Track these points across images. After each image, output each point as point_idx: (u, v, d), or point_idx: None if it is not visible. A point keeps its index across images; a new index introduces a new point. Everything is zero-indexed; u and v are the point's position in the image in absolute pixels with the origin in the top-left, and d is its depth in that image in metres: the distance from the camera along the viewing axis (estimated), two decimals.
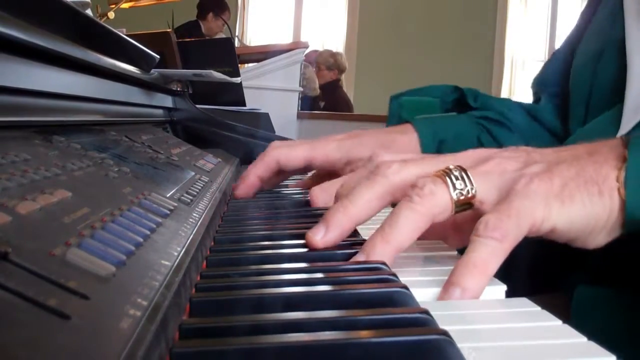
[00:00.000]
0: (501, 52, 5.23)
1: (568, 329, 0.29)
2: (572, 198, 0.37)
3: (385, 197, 0.42)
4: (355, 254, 0.40)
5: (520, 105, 0.79)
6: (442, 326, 0.27)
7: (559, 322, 0.30)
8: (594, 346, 0.27)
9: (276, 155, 0.64)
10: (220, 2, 3.76)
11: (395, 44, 5.10)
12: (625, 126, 0.55)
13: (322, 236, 0.41)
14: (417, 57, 5.09)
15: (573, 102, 0.68)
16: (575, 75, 0.69)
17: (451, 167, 0.40)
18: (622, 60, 0.58)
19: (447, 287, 0.35)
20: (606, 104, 0.60)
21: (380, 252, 0.38)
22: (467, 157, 0.43)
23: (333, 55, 3.99)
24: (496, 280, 0.37)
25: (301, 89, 2.84)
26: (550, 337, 0.28)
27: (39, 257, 0.23)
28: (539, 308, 0.32)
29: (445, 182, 0.39)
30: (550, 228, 0.38)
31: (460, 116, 0.74)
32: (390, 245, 0.38)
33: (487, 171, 0.40)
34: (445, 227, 0.43)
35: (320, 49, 4.45)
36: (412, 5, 5.13)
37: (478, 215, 0.38)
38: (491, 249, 0.36)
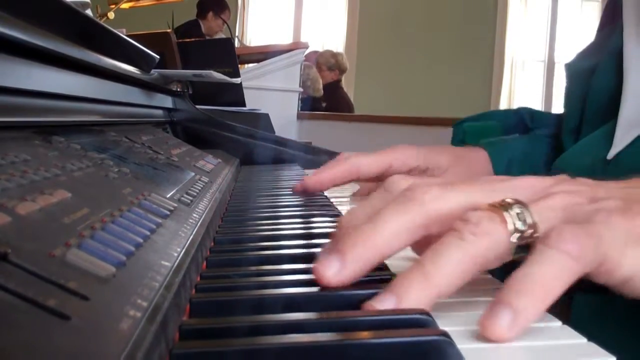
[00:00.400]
0: (501, 53, 5.23)
1: (568, 330, 0.29)
2: None
3: (419, 230, 0.33)
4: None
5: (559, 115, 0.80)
6: (442, 327, 0.27)
7: (559, 323, 0.30)
8: (594, 347, 0.27)
9: (357, 162, 0.59)
10: (220, 1, 3.76)
11: (396, 45, 5.11)
12: (618, 144, 0.54)
13: (336, 272, 0.32)
14: (417, 57, 5.09)
15: (567, 119, 0.68)
16: (570, 91, 0.69)
17: (509, 200, 0.32)
18: (619, 74, 0.58)
19: (493, 307, 0.28)
20: (598, 122, 0.60)
21: (416, 296, 0.29)
22: (524, 187, 0.34)
23: (334, 55, 3.98)
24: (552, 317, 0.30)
25: (301, 90, 2.85)
26: (551, 338, 0.28)
27: (38, 258, 0.23)
28: None
29: (505, 221, 0.31)
30: (623, 278, 0.30)
31: (524, 137, 0.75)
32: (431, 288, 0.30)
33: (550, 206, 0.32)
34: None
35: (321, 49, 4.44)
36: (412, 6, 5.14)
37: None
38: (560, 265, 0.28)
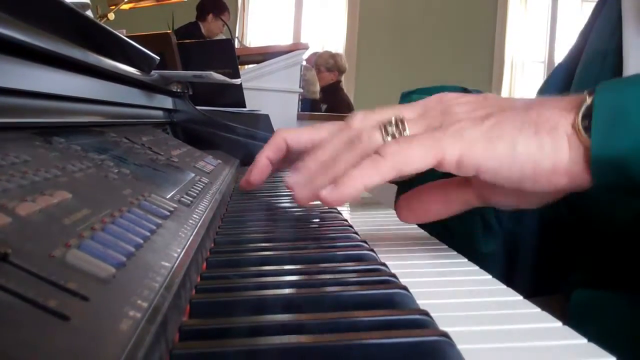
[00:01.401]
0: (501, 54, 5.23)
1: (568, 330, 0.29)
2: (501, 138, 0.38)
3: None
4: (354, 254, 0.40)
5: None
6: (442, 328, 0.27)
7: (559, 324, 0.30)
8: (594, 348, 0.27)
9: (283, 135, 0.64)
10: (220, 3, 3.76)
11: (395, 46, 5.11)
12: None
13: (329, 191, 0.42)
14: (417, 58, 5.09)
15: None
16: (578, 82, 0.69)
17: (394, 118, 0.43)
18: (622, 67, 0.58)
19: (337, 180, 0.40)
20: None
21: (322, 183, 0.42)
22: (427, 106, 0.45)
23: (333, 56, 3.97)
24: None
25: (301, 91, 2.84)
26: (551, 339, 0.28)
27: (38, 259, 0.23)
28: (538, 309, 0.32)
29: (382, 133, 0.42)
30: (475, 167, 0.38)
31: None
32: (345, 190, 0.41)
33: (431, 116, 0.43)
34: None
35: (321, 50, 4.44)
36: (412, 6, 5.14)
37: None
38: (373, 162, 0.39)
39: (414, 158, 0.39)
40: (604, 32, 0.65)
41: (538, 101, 0.41)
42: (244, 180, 0.64)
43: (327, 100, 3.84)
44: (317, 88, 3.67)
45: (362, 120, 0.46)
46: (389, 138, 0.42)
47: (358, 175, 0.40)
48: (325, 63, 3.87)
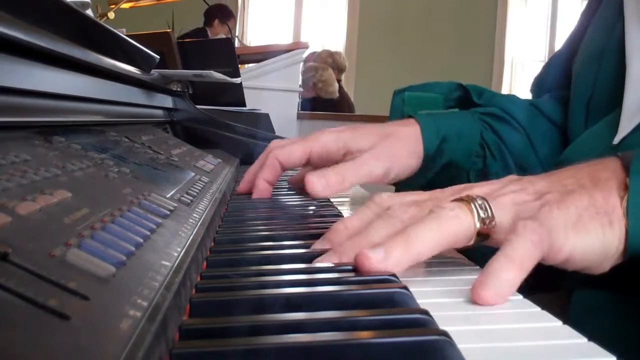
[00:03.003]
0: (501, 53, 5.23)
1: (568, 329, 0.29)
2: (587, 229, 0.38)
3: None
4: None
5: (524, 100, 0.78)
6: (443, 327, 0.27)
7: (559, 323, 0.30)
8: (594, 347, 0.27)
9: (276, 155, 0.65)
10: (226, 10, 3.81)
11: (395, 45, 5.11)
12: (623, 130, 0.55)
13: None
14: (417, 57, 5.09)
15: (573, 104, 0.68)
16: (576, 77, 0.69)
17: (474, 195, 0.39)
18: (622, 64, 0.58)
19: (486, 280, 0.34)
20: (606, 107, 0.60)
21: (398, 254, 0.36)
22: (479, 192, 0.42)
23: (331, 55, 3.95)
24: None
25: (301, 90, 2.84)
26: (551, 338, 0.28)
27: (39, 258, 0.23)
28: (539, 308, 0.32)
29: (470, 209, 0.38)
30: (566, 257, 0.38)
31: (463, 113, 0.73)
32: (411, 251, 0.37)
33: (505, 202, 0.40)
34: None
35: (321, 49, 4.43)
36: (412, 5, 5.13)
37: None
38: (528, 248, 0.35)
39: (545, 245, 0.36)
40: (601, 30, 0.65)
41: (589, 179, 0.41)
42: (240, 191, 0.67)
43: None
44: (335, 87, 3.64)
45: (437, 200, 0.42)
46: (478, 222, 0.38)
47: (519, 261, 0.35)
48: (324, 62, 3.86)
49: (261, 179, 0.65)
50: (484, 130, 0.71)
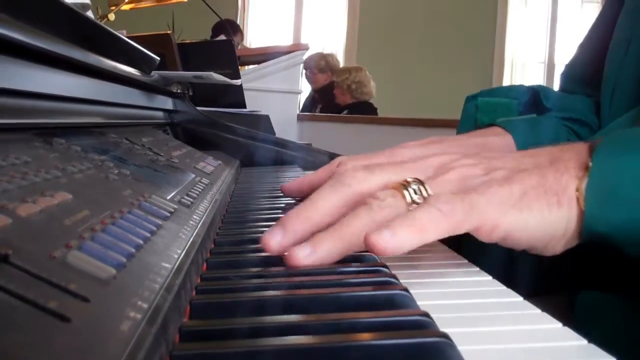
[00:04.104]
0: (501, 54, 5.23)
1: (569, 331, 0.29)
2: (531, 207, 0.38)
3: (345, 206, 0.42)
4: (355, 255, 0.40)
5: (588, 100, 0.75)
6: (443, 329, 0.27)
7: (560, 325, 0.30)
8: (594, 349, 0.27)
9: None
10: (234, 24, 3.83)
11: (396, 46, 5.11)
12: None
13: (278, 240, 0.39)
14: (417, 58, 5.09)
15: (604, 90, 0.67)
16: (606, 65, 0.68)
17: (409, 179, 0.40)
18: None
19: (380, 229, 0.35)
20: (629, 96, 0.59)
21: (328, 246, 0.38)
22: (429, 165, 0.44)
23: (324, 57, 3.92)
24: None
25: (301, 91, 2.84)
26: (551, 340, 0.28)
27: (39, 260, 0.23)
28: (539, 311, 0.32)
29: (403, 195, 0.40)
30: (504, 235, 0.38)
31: (545, 119, 0.72)
32: (342, 243, 0.38)
33: (447, 180, 0.41)
34: None
35: (321, 50, 4.43)
36: (412, 7, 5.13)
37: None
38: (433, 216, 0.36)
39: (459, 217, 0.37)
40: (627, 20, 0.64)
41: (548, 159, 0.41)
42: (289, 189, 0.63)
43: (323, 101, 3.83)
44: (371, 87, 3.61)
45: (366, 179, 0.44)
46: (413, 207, 0.39)
47: (417, 227, 0.36)
48: (317, 65, 3.84)
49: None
50: (570, 136, 0.70)
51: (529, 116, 0.73)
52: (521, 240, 0.39)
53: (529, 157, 0.42)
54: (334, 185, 0.43)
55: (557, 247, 0.40)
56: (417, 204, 0.39)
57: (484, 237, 0.38)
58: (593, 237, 0.38)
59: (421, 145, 0.56)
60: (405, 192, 0.40)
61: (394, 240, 0.35)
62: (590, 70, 0.73)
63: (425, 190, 0.40)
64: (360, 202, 0.41)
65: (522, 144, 0.65)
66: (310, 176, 0.64)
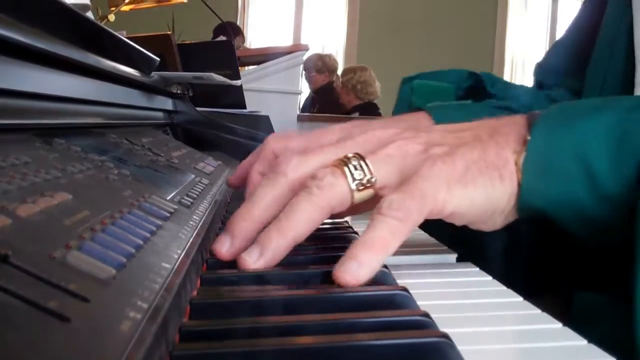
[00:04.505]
0: (501, 53, 5.24)
1: (568, 331, 0.29)
2: (475, 182, 0.37)
3: (287, 196, 0.41)
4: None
5: (540, 91, 0.75)
6: (443, 329, 0.27)
7: (559, 325, 0.30)
8: (594, 349, 0.27)
9: (272, 148, 0.61)
10: (235, 26, 3.82)
11: (396, 45, 5.11)
12: None
13: (228, 247, 0.39)
14: (417, 58, 5.07)
15: (588, 91, 0.66)
16: (592, 62, 0.67)
17: (350, 155, 0.39)
18: (631, 55, 0.58)
19: (343, 261, 0.34)
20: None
21: (275, 245, 0.37)
22: (367, 140, 0.42)
23: (321, 57, 3.92)
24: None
25: (301, 92, 2.84)
26: (551, 340, 0.28)
27: (39, 260, 0.23)
28: (539, 311, 0.32)
29: (344, 173, 0.38)
30: (451, 211, 0.37)
31: (477, 106, 0.70)
32: (286, 238, 0.37)
33: (388, 154, 0.40)
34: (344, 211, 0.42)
35: (321, 51, 4.43)
36: (411, 7, 5.14)
37: (379, 198, 0.37)
38: (393, 227, 0.35)
39: (415, 216, 0.36)
40: (612, 18, 0.64)
41: (487, 132, 0.40)
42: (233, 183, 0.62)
43: (321, 101, 3.82)
44: (376, 87, 3.60)
45: (301, 165, 0.41)
46: (354, 184, 0.38)
47: (380, 245, 0.35)
48: (315, 66, 3.83)
49: (256, 171, 0.60)
50: None
51: (462, 102, 0.72)
52: (465, 216, 0.38)
53: (467, 130, 0.41)
54: (270, 178, 0.42)
55: (497, 222, 0.39)
56: (360, 181, 0.38)
57: (434, 217, 0.37)
58: (531, 212, 0.39)
59: (351, 126, 0.52)
60: (346, 168, 0.38)
61: (363, 269, 0.33)
62: (573, 62, 0.72)
63: (367, 165, 0.39)
64: (300, 189, 0.39)
65: None
66: (243, 163, 0.63)
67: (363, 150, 0.40)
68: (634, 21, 0.58)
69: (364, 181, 0.38)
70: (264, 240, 0.38)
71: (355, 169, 0.38)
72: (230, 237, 0.39)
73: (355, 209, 0.42)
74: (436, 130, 0.42)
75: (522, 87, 0.77)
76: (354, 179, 0.38)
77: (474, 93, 0.73)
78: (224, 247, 0.39)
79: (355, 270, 0.33)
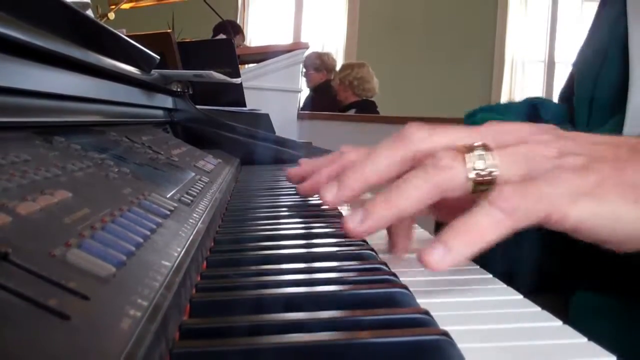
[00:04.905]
0: (501, 53, 5.23)
1: (568, 329, 0.29)
2: (605, 199, 0.35)
3: (407, 163, 0.40)
4: (355, 253, 0.40)
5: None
6: (443, 327, 0.27)
7: (559, 323, 0.30)
8: (594, 347, 0.27)
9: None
10: (235, 25, 3.82)
11: (396, 45, 5.10)
12: (628, 134, 0.54)
13: (334, 193, 0.40)
14: (417, 58, 5.09)
15: (578, 103, 0.67)
16: (579, 76, 0.68)
17: (476, 144, 0.37)
18: (625, 64, 0.58)
19: (434, 243, 0.33)
20: (609, 107, 0.59)
21: (379, 214, 0.37)
22: (507, 131, 0.40)
23: (319, 56, 3.91)
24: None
25: (301, 90, 2.84)
26: (551, 338, 0.28)
27: (39, 258, 0.23)
28: (539, 308, 0.32)
29: (464, 159, 0.37)
30: (575, 225, 0.35)
31: None
32: (391, 210, 0.37)
33: (517, 152, 0.38)
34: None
35: (321, 49, 4.42)
36: (412, 6, 5.13)
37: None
38: (495, 218, 0.33)
39: (523, 215, 0.34)
40: (604, 29, 0.65)
41: (628, 148, 0.38)
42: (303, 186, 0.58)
43: (319, 99, 3.82)
44: (373, 84, 3.58)
45: (428, 138, 0.40)
46: (473, 173, 0.36)
47: (475, 234, 0.33)
48: (313, 64, 3.82)
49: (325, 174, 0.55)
50: None
51: None
52: (591, 233, 0.35)
53: (606, 144, 0.39)
54: (394, 141, 0.41)
55: (630, 245, 0.36)
56: (480, 171, 0.36)
57: (553, 227, 0.35)
58: None
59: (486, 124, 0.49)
60: (468, 155, 0.37)
61: (449, 257, 0.32)
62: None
63: (492, 158, 0.37)
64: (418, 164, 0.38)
65: None
66: (314, 160, 0.62)
67: (493, 142, 0.38)
68: (629, 32, 0.58)
69: (484, 172, 0.37)
70: (369, 206, 0.37)
71: (479, 158, 0.37)
72: (338, 187, 0.40)
73: (464, 203, 0.39)
74: (574, 138, 0.39)
75: (557, 105, 0.77)
76: (473, 168, 0.36)
77: (532, 121, 0.74)
78: (330, 194, 0.40)
79: (441, 255, 0.32)
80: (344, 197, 0.40)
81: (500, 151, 0.37)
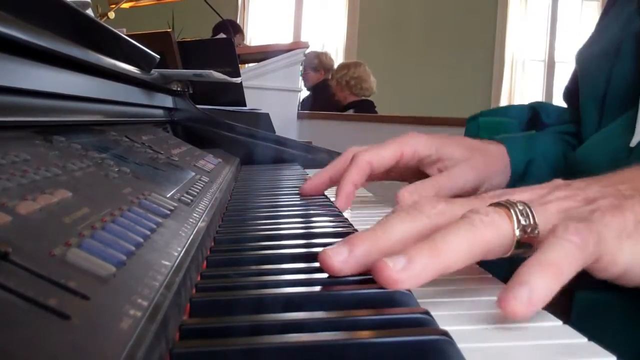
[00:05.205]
0: (501, 53, 5.23)
1: (569, 329, 0.29)
2: None
3: (421, 237, 0.35)
4: None
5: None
6: (443, 326, 0.27)
7: (560, 323, 0.30)
8: (594, 347, 0.27)
9: (368, 158, 0.59)
10: (235, 24, 3.82)
11: (396, 45, 5.10)
12: (639, 135, 0.54)
13: (343, 259, 0.34)
14: (417, 57, 5.08)
15: (585, 101, 0.67)
16: (586, 73, 0.68)
17: (514, 200, 0.35)
18: (638, 60, 0.58)
19: (513, 286, 0.29)
20: (622, 105, 0.59)
21: (424, 262, 0.32)
22: (520, 197, 0.37)
23: (317, 55, 3.90)
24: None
25: (301, 89, 2.84)
26: (552, 338, 0.28)
27: (39, 257, 0.23)
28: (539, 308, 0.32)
29: (510, 216, 0.34)
30: (622, 270, 0.33)
31: (543, 134, 0.72)
32: (439, 260, 0.32)
33: (549, 210, 0.35)
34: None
35: (321, 49, 4.42)
36: (412, 5, 5.13)
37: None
38: (568, 251, 0.30)
39: (592, 249, 0.31)
40: (616, 27, 0.64)
41: None
42: (306, 189, 0.63)
43: (316, 99, 3.81)
44: (371, 83, 3.58)
45: (447, 210, 0.37)
46: (518, 230, 0.33)
47: (554, 268, 0.30)
48: (310, 63, 3.82)
49: (349, 181, 0.58)
50: (567, 150, 0.69)
51: (528, 132, 0.74)
52: (638, 276, 0.33)
53: (622, 182, 0.37)
54: (409, 212, 0.37)
55: None
56: (524, 228, 0.33)
57: (601, 273, 0.33)
58: None
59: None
60: (512, 210, 0.34)
61: (536, 297, 0.29)
62: None
63: (532, 214, 0.34)
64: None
65: (515, 155, 0.65)
66: (327, 170, 0.63)
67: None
68: None
69: (529, 229, 0.34)
70: (413, 253, 0.32)
71: (522, 214, 0.34)
72: (349, 251, 0.34)
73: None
74: (589, 186, 0.37)
75: (563, 108, 0.78)
76: (519, 224, 0.33)
77: (534, 124, 0.75)
78: (339, 257, 0.34)
79: (527, 297, 0.29)
80: (354, 265, 0.34)
81: (537, 207, 0.35)
